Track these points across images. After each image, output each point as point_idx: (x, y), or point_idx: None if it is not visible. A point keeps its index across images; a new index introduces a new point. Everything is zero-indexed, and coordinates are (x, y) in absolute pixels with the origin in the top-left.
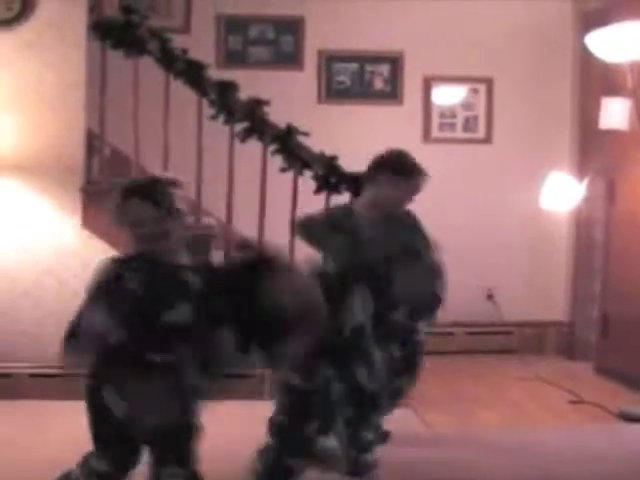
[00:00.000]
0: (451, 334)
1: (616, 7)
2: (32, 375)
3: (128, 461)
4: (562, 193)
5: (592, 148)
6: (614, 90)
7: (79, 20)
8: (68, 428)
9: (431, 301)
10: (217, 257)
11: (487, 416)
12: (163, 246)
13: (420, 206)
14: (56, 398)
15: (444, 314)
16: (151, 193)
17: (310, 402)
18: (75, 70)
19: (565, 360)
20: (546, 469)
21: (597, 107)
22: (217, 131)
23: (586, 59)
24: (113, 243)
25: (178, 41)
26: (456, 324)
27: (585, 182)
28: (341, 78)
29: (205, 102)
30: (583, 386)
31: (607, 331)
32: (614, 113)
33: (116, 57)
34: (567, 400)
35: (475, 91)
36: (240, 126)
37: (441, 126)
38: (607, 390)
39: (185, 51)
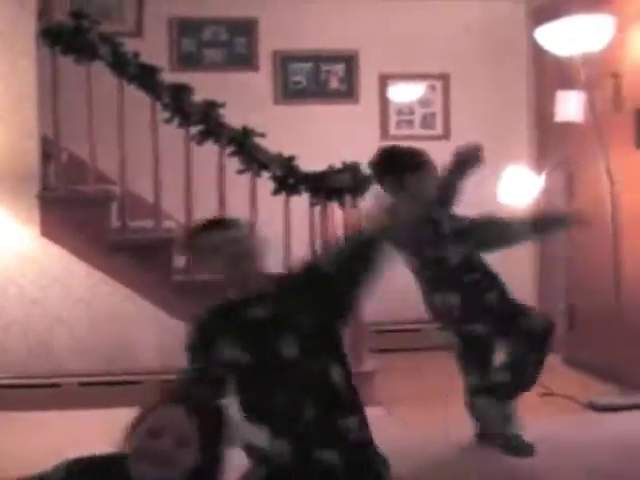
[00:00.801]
0: (419, 330)
1: (566, 2)
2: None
3: None
4: (520, 186)
5: (550, 141)
6: (568, 83)
7: (27, 28)
8: (36, 438)
9: None
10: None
11: (458, 411)
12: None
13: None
14: (25, 409)
15: (411, 311)
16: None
17: None
18: (25, 79)
19: None
20: (519, 461)
21: (553, 100)
22: (174, 134)
23: (540, 53)
24: (72, 250)
25: (130, 45)
26: (425, 320)
27: (543, 175)
28: (297, 78)
29: (160, 105)
30: (552, 378)
31: (574, 323)
32: (569, 106)
33: (69, 62)
34: (537, 392)
35: (432, 88)
36: (196, 129)
37: (399, 123)
38: (576, 381)
39: (137, 55)
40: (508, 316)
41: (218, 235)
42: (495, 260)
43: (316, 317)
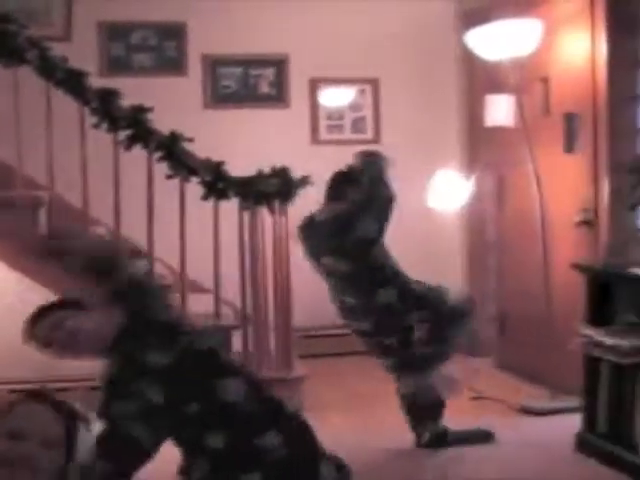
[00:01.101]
0: (348, 335)
1: (496, 6)
2: None
3: None
4: (450, 191)
5: (480, 145)
6: (498, 87)
7: None
8: None
9: None
10: None
11: (386, 415)
12: None
13: (310, 208)
14: None
15: (338, 318)
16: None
17: None
18: None
19: (465, 357)
20: (445, 467)
21: (482, 104)
22: (102, 139)
23: (469, 57)
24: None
25: (59, 49)
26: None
27: (473, 179)
28: (226, 82)
29: (88, 110)
30: (483, 382)
31: (505, 328)
32: (499, 110)
33: None
34: (467, 396)
35: (362, 92)
36: (124, 134)
37: (329, 128)
38: (507, 385)
39: (65, 59)
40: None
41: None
42: (425, 267)
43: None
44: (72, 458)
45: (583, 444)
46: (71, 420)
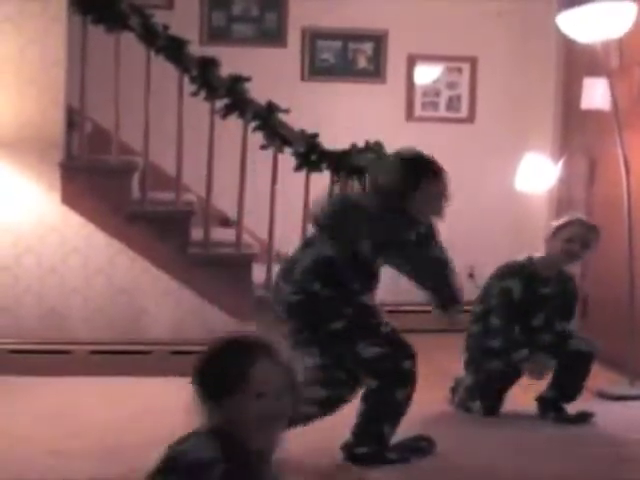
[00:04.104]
0: (427, 312)
1: None
2: (11, 351)
3: None
4: (538, 174)
5: (574, 129)
6: (596, 70)
7: None
8: (46, 403)
9: None
10: None
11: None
12: None
13: None
14: (35, 374)
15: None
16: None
17: None
18: (56, 45)
19: None
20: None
21: (580, 87)
22: (198, 108)
23: (569, 40)
24: (92, 219)
25: (161, 17)
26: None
27: (560, 163)
28: (325, 56)
29: (186, 78)
30: None
31: (586, 311)
32: (595, 93)
33: (97, 32)
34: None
35: (459, 70)
36: (221, 103)
37: (424, 105)
38: None
39: (166, 27)
40: None
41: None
42: (511, 248)
43: None
44: None
45: None
46: None
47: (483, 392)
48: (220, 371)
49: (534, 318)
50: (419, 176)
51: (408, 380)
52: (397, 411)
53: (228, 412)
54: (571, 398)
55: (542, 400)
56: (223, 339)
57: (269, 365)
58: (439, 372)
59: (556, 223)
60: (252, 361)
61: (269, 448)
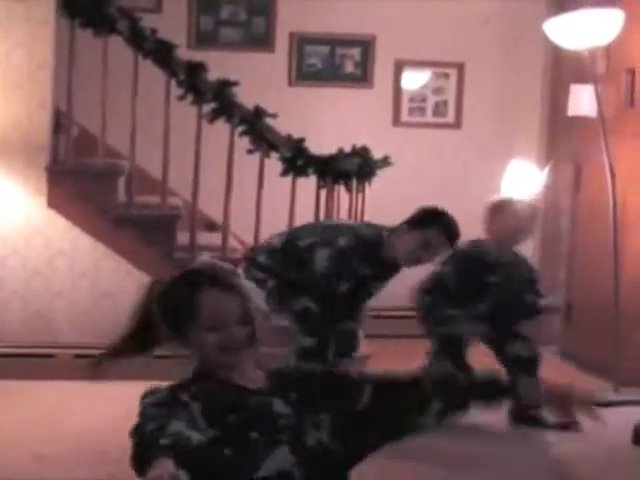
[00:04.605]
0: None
1: None
2: None
3: None
4: (524, 180)
5: (560, 135)
6: (583, 77)
7: None
8: (30, 407)
9: None
10: None
11: None
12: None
13: (388, 189)
14: (19, 377)
15: (409, 298)
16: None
17: None
18: (43, 48)
19: None
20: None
21: (567, 94)
22: (185, 112)
23: (557, 47)
24: (78, 222)
25: (149, 20)
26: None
27: (546, 169)
28: (312, 61)
29: (174, 82)
30: (548, 371)
31: (572, 317)
32: (582, 100)
33: (85, 35)
34: None
35: (446, 76)
36: (208, 107)
37: (411, 110)
38: (571, 375)
39: (154, 31)
40: None
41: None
42: None
43: None
44: None
45: None
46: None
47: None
48: (171, 307)
49: (479, 304)
50: None
51: None
52: None
53: (191, 348)
54: (532, 405)
55: (509, 413)
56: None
57: (215, 295)
58: None
59: (490, 205)
60: (196, 292)
61: (238, 374)
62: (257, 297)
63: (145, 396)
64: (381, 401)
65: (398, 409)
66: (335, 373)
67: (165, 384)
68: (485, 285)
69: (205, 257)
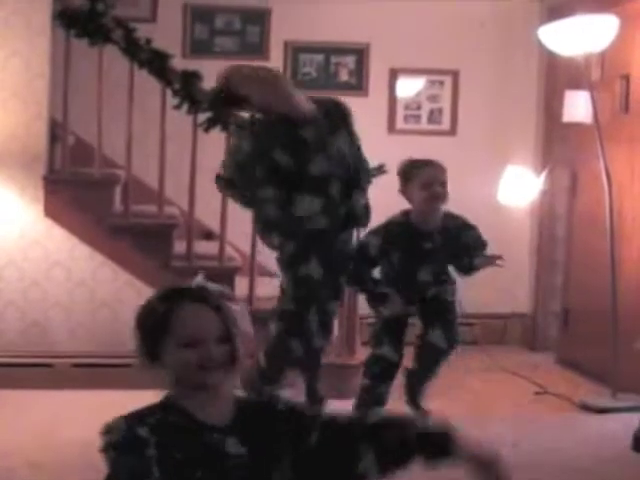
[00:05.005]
0: (413, 325)
1: (581, 1)
2: None
3: None
4: (520, 187)
5: (555, 142)
6: (578, 83)
7: (45, 8)
8: (27, 416)
9: None
10: None
11: (450, 407)
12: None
13: (384, 197)
14: (16, 387)
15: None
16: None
17: None
18: (40, 58)
19: (527, 352)
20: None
21: (562, 100)
22: (181, 121)
23: (551, 53)
24: (75, 232)
25: (144, 30)
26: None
27: (543, 175)
28: (307, 69)
29: (169, 92)
30: (545, 377)
31: (568, 323)
32: (577, 106)
33: (81, 46)
34: (532, 391)
35: (441, 83)
36: (204, 116)
37: (406, 118)
38: (569, 381)
39: (149, 41)
40: None
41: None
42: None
43: None
44: None
45: None
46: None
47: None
48: (148, 321)
49: (419, 272)
50: None
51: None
52: None
53: (166, 366)
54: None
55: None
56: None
57: (195, 310)
58: None
59: (399, 172)
60: (172, 307)
61: (209, 398)
62: (244, 321)
63: (104, 433)
64: (328, 443)
65: (342, 451)
66: (294, 408)
67: (123, 415)
68: (421, 252)
69: (200, 278)
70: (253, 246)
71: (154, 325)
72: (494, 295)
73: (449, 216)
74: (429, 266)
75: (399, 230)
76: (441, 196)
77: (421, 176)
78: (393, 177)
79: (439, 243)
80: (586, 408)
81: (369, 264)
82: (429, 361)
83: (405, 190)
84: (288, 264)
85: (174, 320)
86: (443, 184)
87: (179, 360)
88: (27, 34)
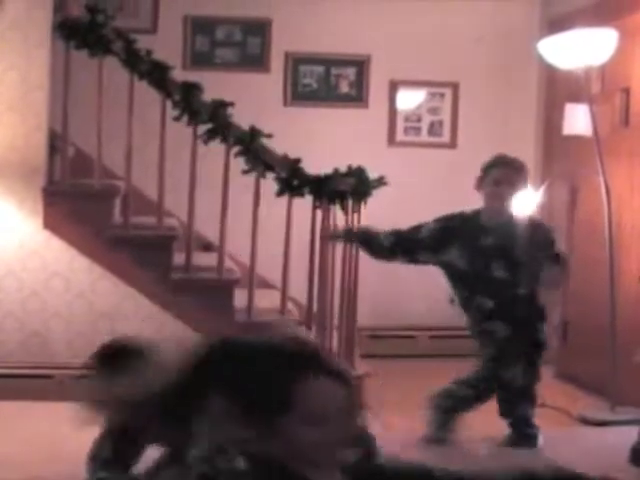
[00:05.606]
0: (413, 337)
1: (581, 14)
2: None
3: None
4: (519, 200)
5: (555, 155)
6: (578, 96)
7: (44, 20)
8: (26, 428)
9: None
10: None
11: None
12: None
13: (383, 209)
14: (15, 398)
15: (407, 318)
16: None
17: None
18: (38, 71)
19: None
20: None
21: (562, 114)
22: (181, 132)
23: (551, 65)
24: (74, 243)
25: (144, 41)
26: (419, 328)
27: (542, 189)
28: (307, 81)
29: (169, 103)
30: (544, 390)
31: (567, 337)
32: (577, 119)
33: (80, 57)
34: None
35: (441, 95)
36: (204, 128)
37: (406, 130)
38: (567, 394)
39: (150, 52)
40: None
41: None
42: None
43: None
44: None
45: (639, 457)
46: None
47: None
48: (262, 388)
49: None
50: None
51: None
52: None
53: (277, 437)
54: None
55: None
56: (260, 347)
57: (321, 384)
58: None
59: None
60: (299, 380)
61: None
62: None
63: None
64: None
65: None
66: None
67: None
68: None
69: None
70: (252, 258)
71: (272, 394)
72: None
73: (526, 219)
74: (500, 261)
75: (461, 222)
76: (498, 195)
77: (491, 174)
78: (393, 189)
79: (501, 239)
80: (585, 421)
81: (417, 245)
82: None
83: (479, 186)
84: None
85: (300, 394)
86: (511, 184)
87: (296, 437)
88: (24, 48)
